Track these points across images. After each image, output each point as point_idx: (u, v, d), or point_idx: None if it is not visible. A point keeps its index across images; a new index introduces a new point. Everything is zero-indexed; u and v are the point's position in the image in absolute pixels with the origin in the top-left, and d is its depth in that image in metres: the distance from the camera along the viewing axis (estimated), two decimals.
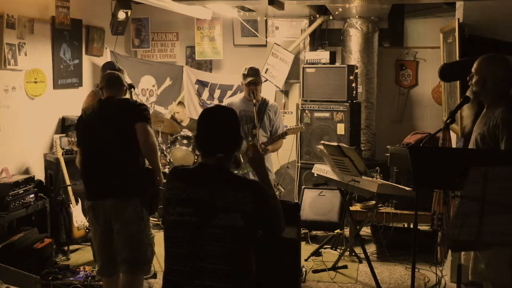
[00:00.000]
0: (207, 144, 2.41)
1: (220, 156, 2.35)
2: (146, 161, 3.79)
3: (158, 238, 3.66)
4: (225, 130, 2.40)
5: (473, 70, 3.35)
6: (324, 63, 6.14)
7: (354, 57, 6.48)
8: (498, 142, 3.16)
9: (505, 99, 3.28)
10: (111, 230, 3.64)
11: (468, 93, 3.46)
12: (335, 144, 4.67)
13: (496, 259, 3.19)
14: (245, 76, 4.76)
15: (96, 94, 4.95)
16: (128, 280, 3.64)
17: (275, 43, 6.89)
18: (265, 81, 5.39)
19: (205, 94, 7.25)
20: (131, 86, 4.03)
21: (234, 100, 5.03)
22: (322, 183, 5.47)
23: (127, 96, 4.02)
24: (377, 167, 5.29)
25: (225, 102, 5.15)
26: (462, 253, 3.53)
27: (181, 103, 7.01)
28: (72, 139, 4.58)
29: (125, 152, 3.62)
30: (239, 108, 4.86)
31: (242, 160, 4.62)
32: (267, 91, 6.40)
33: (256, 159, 2.51)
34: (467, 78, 3.39)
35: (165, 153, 5.96)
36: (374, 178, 4.64)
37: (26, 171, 5.33)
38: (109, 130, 3.62)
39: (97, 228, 3.69)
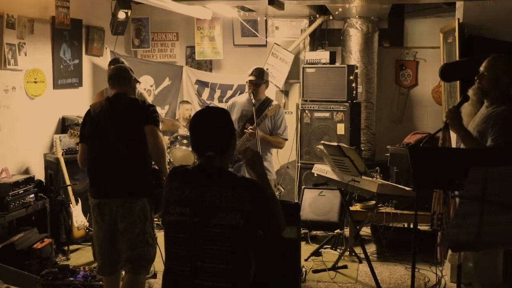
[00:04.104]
0: (198, 145, 2.43)
1: (210, 154, 2.35)
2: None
3: (160, 238, 3.67)
4: (213, 129, 2.41)
5: (483, 69, 3.36)
6: (324, 63, 6.14)
7: (354, 57, 6.48)
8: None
9: (508, 99, 3.32)
10: (115, 229, 3.64)
11: (471, 92, 3.47)
12: (335, 144, 4.67)
13: (484, 259, 3.20)
14: (248, 75, 4.80)
15: (104, 93, 4.94)
16: (131, 279, 3.64)
17: (275, 43, 6.89)
18: None
19: (205, 94, 7.25)
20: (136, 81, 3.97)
21: (238, 99, 5.04)
22: (322, 183, 5.46)
23: (138, 87, 3.96)
24: (377, 167, 5.29)
25: (230, 101, 5.14)
26: (449, 253, 3.55)
27: (184, 101, 7.01)
28: (75, 131, 4.56)
29: (134, 152, 3.61)
30: (242, 107, 4.88)
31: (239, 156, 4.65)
32: (267, 91, 6.39)
33: (254, 159, 2.51)
34: (475, 77, 3.39)
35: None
36: (374, 178, 4.64)
37: (26, 171, 5.33)
38: (118, 130, 3.60)
39: (101, 226, 3.68)
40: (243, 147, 4.37)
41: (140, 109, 3.68)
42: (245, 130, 4.66)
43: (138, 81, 3.91)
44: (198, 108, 7.11)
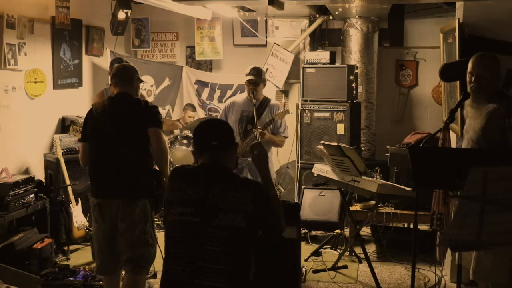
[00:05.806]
0: (204, 138, 2.47)
1: (215, 144, 2.38)
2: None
3: (160, 238, 3.67)
4: (219, 127, 2.53)
5: (478, 68, 3.35)
6: (324, 63, 6.14)
7: (354, 57, 6.48)
8: (505, 135, 3.19)
9: (504, 95, 3.33)
10: (116, 229, 3.63)
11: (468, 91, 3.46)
12: (335, 144, 4.67)
13: (500, 259, 3.19)
14: (246, 75, 4.79)
15: (104, 94, 4.93)
16: (131, 279, 3.65)
17: (275, 43, 6.89)
18: None
19: (205, 94, 7.25)
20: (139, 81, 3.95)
21: (236, 99, 5.03)
22: (322, 183, 5.47)
23: (140, 87, 3.94)
24: (377, 167, 5.29)
25: (228, 101, 5.13)
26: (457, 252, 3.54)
27: (191, 105, 6.98)
28: (77, 127, 4.54)
29: (136, 153, 3.60)
30: (241, 108, 4.87)
31: (242, 159, 4.63)
32: (267, 91, 6.40)
33: (261, 157, 2.52)
34: (472, 79, 3.38)
35: None
36: (374, 178, 4.64)
37: (26, 171, 5.33)
38: (120, 131, 3.59)
39: (102, 226, 3.67)
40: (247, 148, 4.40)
41: (143, 110, 3.66)
42: (254, 133, 4.63)
43: (141, 81, 3.89)
44: (200, 110, 7.16)
